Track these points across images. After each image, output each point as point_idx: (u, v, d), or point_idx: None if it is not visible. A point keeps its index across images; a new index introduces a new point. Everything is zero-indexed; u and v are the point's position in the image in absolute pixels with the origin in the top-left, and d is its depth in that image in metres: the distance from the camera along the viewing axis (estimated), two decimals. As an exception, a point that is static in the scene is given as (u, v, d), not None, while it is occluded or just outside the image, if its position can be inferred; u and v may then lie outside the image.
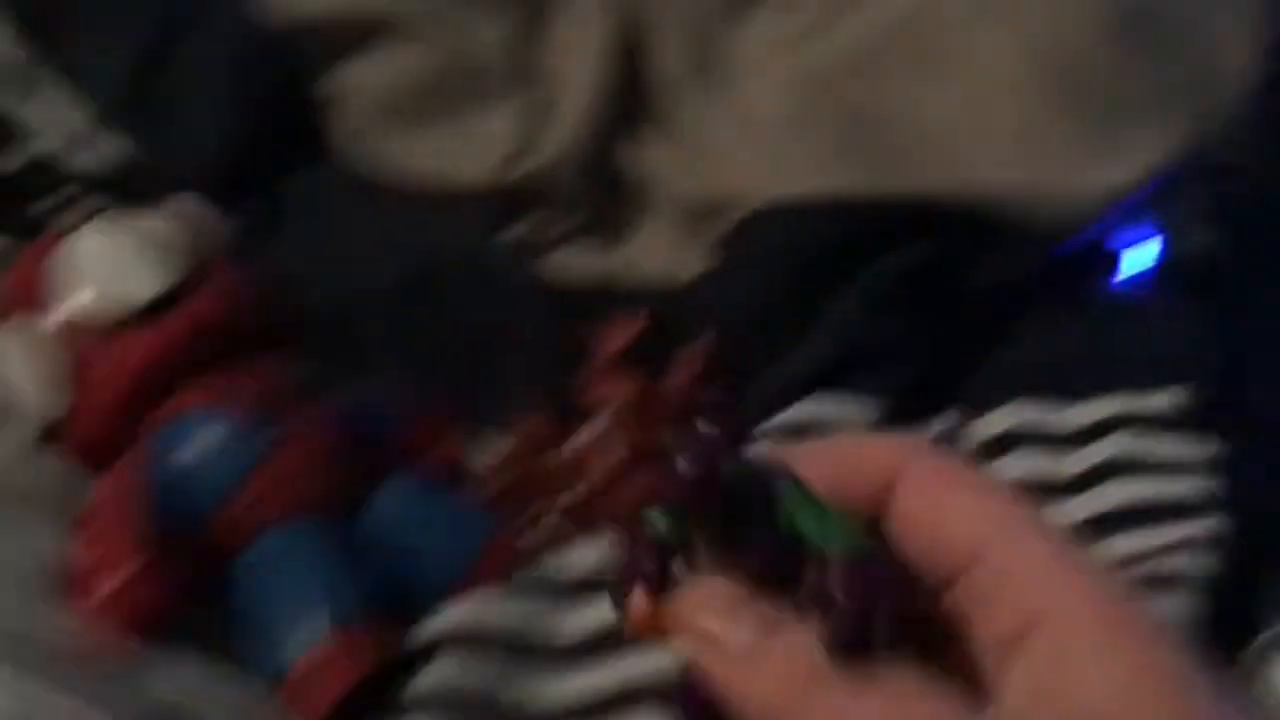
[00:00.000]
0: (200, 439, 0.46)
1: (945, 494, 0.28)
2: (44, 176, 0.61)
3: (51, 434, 0.48)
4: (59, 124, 0.61)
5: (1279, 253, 0.66)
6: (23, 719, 0.41)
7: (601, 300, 0.59)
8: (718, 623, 0.26)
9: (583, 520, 0.51)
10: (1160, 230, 0.64)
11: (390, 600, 0.46)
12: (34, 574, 0.44)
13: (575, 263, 0.63)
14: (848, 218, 0.59)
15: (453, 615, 0.46)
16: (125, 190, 0.59)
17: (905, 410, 0.55)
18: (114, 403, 0.47)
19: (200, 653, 0.45)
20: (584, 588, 0.48)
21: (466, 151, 0.63)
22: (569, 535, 0.51)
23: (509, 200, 0.63)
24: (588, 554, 0.50)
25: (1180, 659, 0.25)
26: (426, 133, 0.63)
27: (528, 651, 0.46)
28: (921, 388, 0.56)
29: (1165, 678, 0.24)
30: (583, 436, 0.52)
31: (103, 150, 0.60)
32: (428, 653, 0.45)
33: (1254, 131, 0.65)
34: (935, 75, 0.63)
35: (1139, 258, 0.64)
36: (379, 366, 0.56)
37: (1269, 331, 0.63)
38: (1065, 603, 0.25)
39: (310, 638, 0.43)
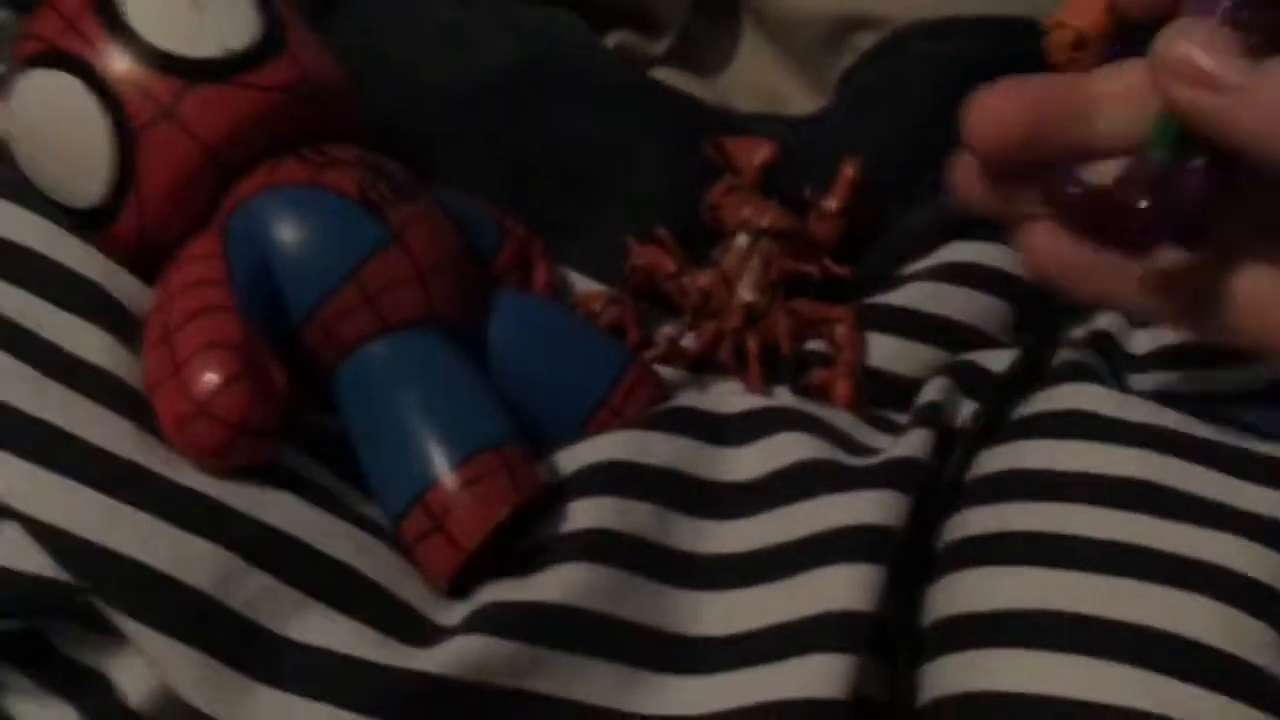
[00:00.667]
0: (305, 216, 0.37)
1: None
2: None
3: (94, 221, 0.38)
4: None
5: None
6: (104, 540, 0.32)
7: (716, 124, 0.51)
8: (1211, 61, 0.27)
9: (729, 351, 0.43)
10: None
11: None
12: (107, 390, 0.35)
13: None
14: (998, 42, 0.52)
15: (601, 448, 0.38)
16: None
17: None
18: (181, 180, 0.38)
19: (298, 479, 0.36)
20: (744, 423, 0.40)
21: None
22: (719, 367, 0.43)
23: (597, 11, 0.55)
24: (736, 388, 0.43)
25: None
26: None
27: (687, 493, 0.38)
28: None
29: None
30: (723, 261, 0.45)
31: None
32: (570, 491, 0.38)
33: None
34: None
35: None
36: (460, 175, 0.47)
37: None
38: None
39: (459, 456, 0.35)
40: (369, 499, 0.37)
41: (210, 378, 0.34)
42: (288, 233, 0.37)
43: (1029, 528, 0.37)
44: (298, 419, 0.37)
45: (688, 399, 0.42)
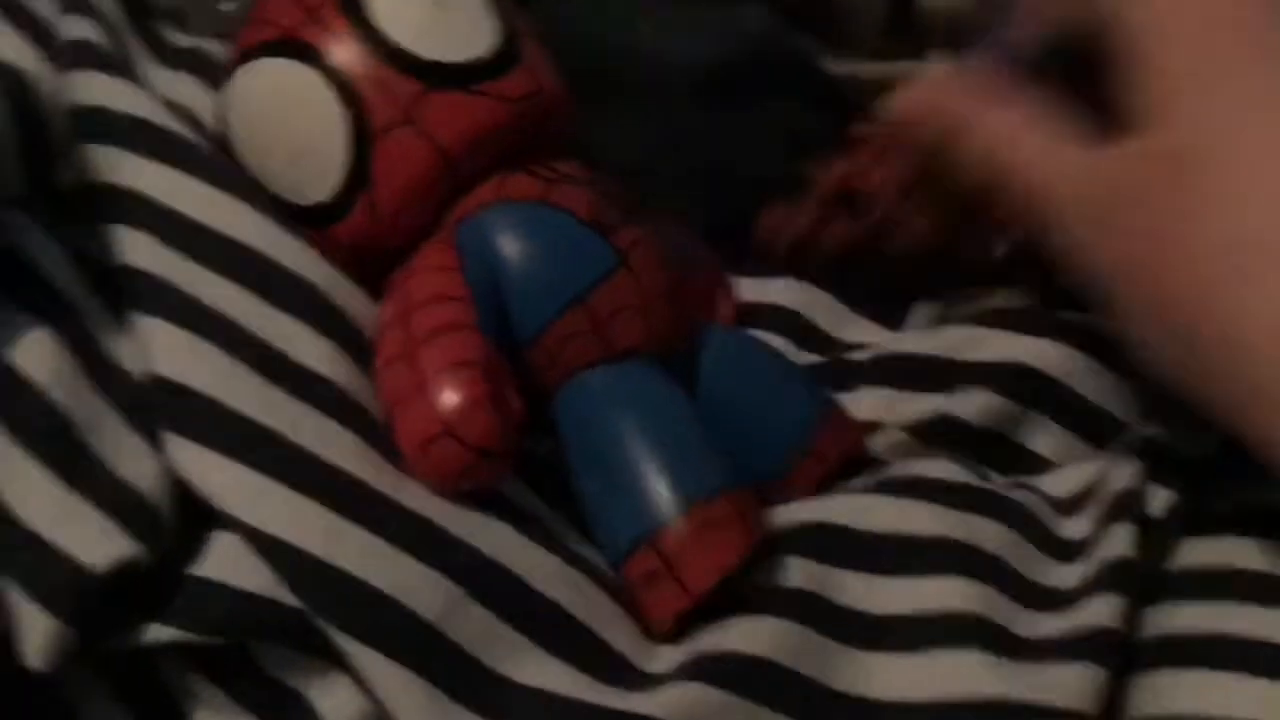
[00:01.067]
0: (537, 235, 0.36)
1: None
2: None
3: (317, 218, 0.37)
4: None
5: None
6: (330, 557, 0.31)
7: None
8: None
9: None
10: None
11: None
12: (331, 401, 0.34)
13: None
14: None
15: (817, 509, 0.37)
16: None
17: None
18: (416, 185, 0.36)
19: (515, 509, 0.35)
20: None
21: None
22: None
23: (790, 12, 0.53)
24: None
25: None
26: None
27: (854, 551, 0.37)
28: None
29: None
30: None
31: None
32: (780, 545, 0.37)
33: None
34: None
35: None
36: (649, 180, 0.45)
37: None
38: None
39: (693, 497, 0.34)
40: (579, 532, 0.36)
41: (457, 398, 0.32)
42: (518, 251, 0.36)
43: (1247, 633, 0.36)
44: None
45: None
